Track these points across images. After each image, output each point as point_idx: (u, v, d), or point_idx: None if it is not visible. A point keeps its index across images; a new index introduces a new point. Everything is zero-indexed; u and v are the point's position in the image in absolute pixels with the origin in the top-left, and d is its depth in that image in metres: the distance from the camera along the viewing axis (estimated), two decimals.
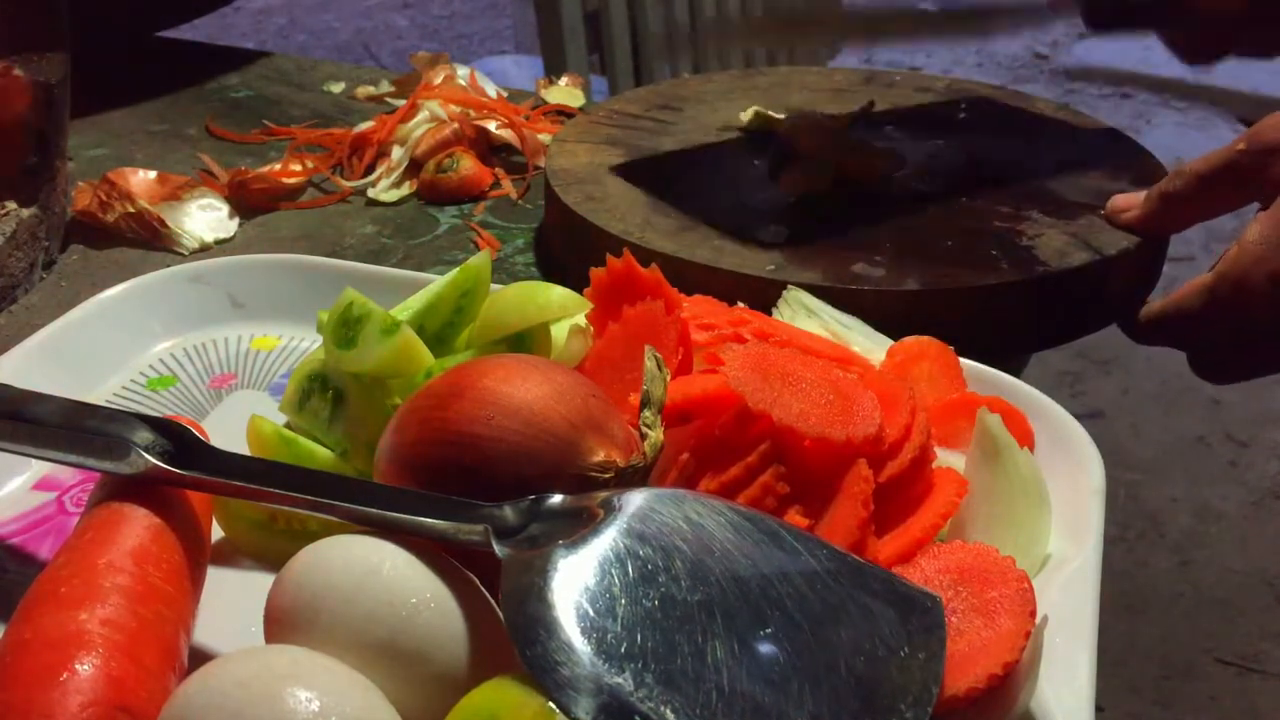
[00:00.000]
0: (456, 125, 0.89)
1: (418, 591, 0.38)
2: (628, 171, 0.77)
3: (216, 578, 0.47)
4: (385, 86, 1.07)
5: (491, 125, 0.91)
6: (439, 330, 0.56)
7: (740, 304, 0.57)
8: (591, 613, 0.35)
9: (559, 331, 0.55)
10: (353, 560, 0.39)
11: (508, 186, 0.87)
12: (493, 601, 0.40)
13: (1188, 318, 0.67)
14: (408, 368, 0.52)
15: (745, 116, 0.85)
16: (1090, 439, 0.52)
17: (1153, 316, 0.70)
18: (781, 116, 0.85)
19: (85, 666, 0.37)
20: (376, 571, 0.38)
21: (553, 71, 1.53)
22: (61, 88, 0.75)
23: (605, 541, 0.37)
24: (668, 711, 0.33)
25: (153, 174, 0.83)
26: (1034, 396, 0.55)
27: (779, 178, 0.75)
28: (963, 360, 0.56)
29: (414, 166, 0.88)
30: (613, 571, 0.37)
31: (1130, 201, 0.71)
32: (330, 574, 0.38)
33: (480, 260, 0.57)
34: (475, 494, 0.41)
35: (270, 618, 0.39)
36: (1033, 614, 0.40)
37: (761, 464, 0.44)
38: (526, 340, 0.54)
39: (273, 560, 0.48)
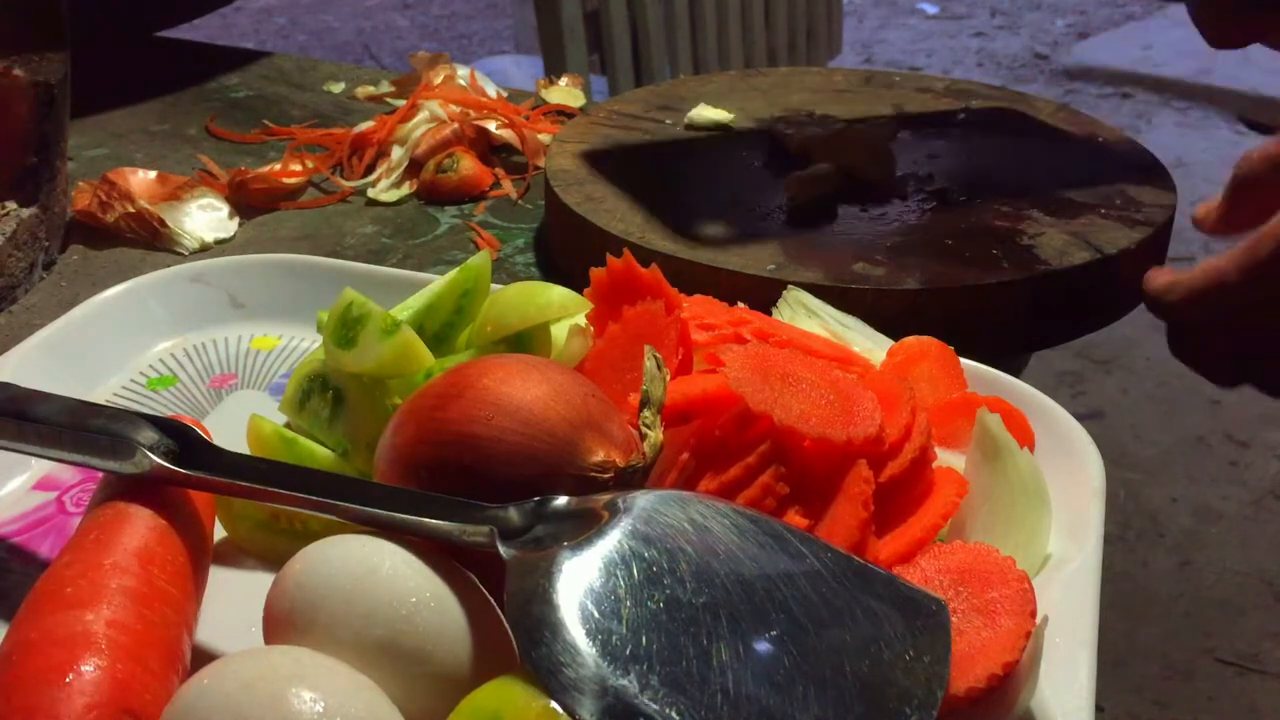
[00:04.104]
0: (456, 125, 0.89)
1: (417, 591, 0.38)
2: (627, 170, 0.77)
3: (218, 577, 0.47)
4: (385, 86, 1.07)
5: (491, 125, 0.91)
6: (439, 330, 0.56)
7: (740, 304, 0.57)
8: (596, 614, 0.35)
9: (559, 331, 0.55)
10: (352, 560, 0.39)
11: (508, 186, 0.87)
12: (493, 601, 0.40)
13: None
14: (408, 368, 0.52)
15: (695, 115, 0.85)
16: (1090, 439, 0.52)
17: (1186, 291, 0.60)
18: (730, 116, 0.85)
19: (90, 668, 0.37)
20: (376, 571, 0.38)
21: (553, 71, 1.53)
22: (61, 88, 0.75)
23: (610, 543, 0.37)
24: (673, 714, 0.33)
25: (153, 174, 0.83)
26: (1034, 396, 0.55)
27: (783, 181, 0.75)
28: (963, 360, 0.56)
29: (414, 166, 0.88)
30: (618, 573, 0.37)
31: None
32: (330, 574, 0.38)
33: (480, 260, 0.57)
34: (475, 494, 0.41)
35: (270, 618, 0.39)
36: (1033, 614, 0.40)
37: (761, 464, 0.44)
38: (526, 340, 0.54)
39: (275, 560, 0.48)
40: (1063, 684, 0.41)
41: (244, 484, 0.43)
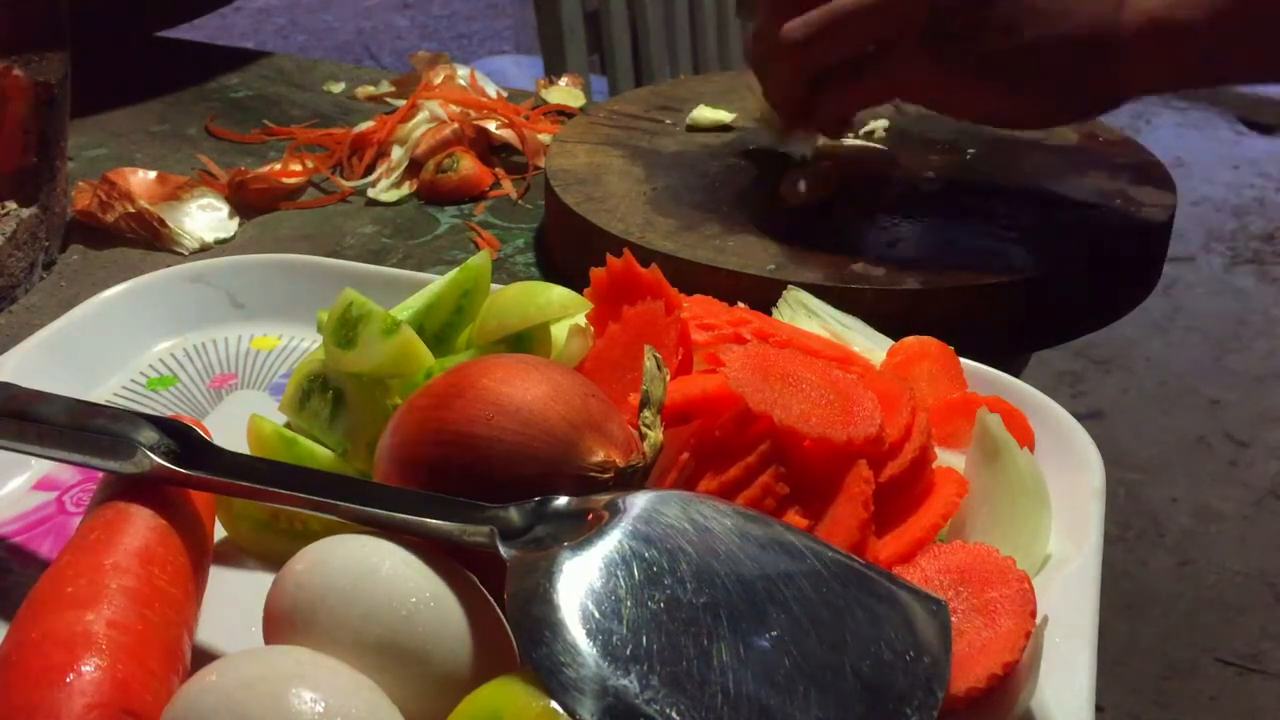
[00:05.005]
0: (456, 125, 0.89)
1: (417, 591, 0.38)
2: (629, 171, 0.77)
3: (218, 577, 0.47)
4: (385, 86, 1.07)
5: (491, 125, 0.91)
6: (439, 330, 0.56)
7: (740, 304, 0.57)
8: (597, 614, 0.35)
9: (559, 331, 0.55)
10: (352, 560, 0.39)
11: (508, 186, 0.87)
12: (493, 601, 0.40)
13: None
14: (408, 368, 0.52)
15: (696, 116, 0.85)
16: (1090, 439, 0.52)
17: None
18: (731, 116, 0.85)
19: (90, 668, 0.37)
20: (376, 571, 0.38)
21: (553, 71, 1.53)
22: (61, 88, 0.75)
23: (610, 543, 0.37)
24: (673, 714, 0.33)
25: (153, 174, 0.83)
26: (1034, 396, 0.55)
27: (783, 181, 0.75)
28: (963, 360, 0.56)
29: (414, 166, 0.88)
30: (618, 573, 0.37)
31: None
32: (330, 574, 0.38)
33: (480, 260, 0.57)
34: (475, 494, 0.41)
35: (270, 618, 0.39)
36: (1033, 614, 0.40)
37: (761, 464, 0.44)
38: (526, 340, 0.54)
39: (275, 560, 0.48)
40: (1063, 684, 0.41)
41: (244, 484, 0.43)
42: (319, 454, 0.52)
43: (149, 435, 0.44)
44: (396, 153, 0.89)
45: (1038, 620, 0.40)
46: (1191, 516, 1.94)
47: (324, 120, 1.01)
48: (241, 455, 0.46)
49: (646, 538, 0.38)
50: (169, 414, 0.53)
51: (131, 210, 0.79)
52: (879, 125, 0.84)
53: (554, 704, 0.34)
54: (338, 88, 1.09)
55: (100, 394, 0.61)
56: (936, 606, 0.40)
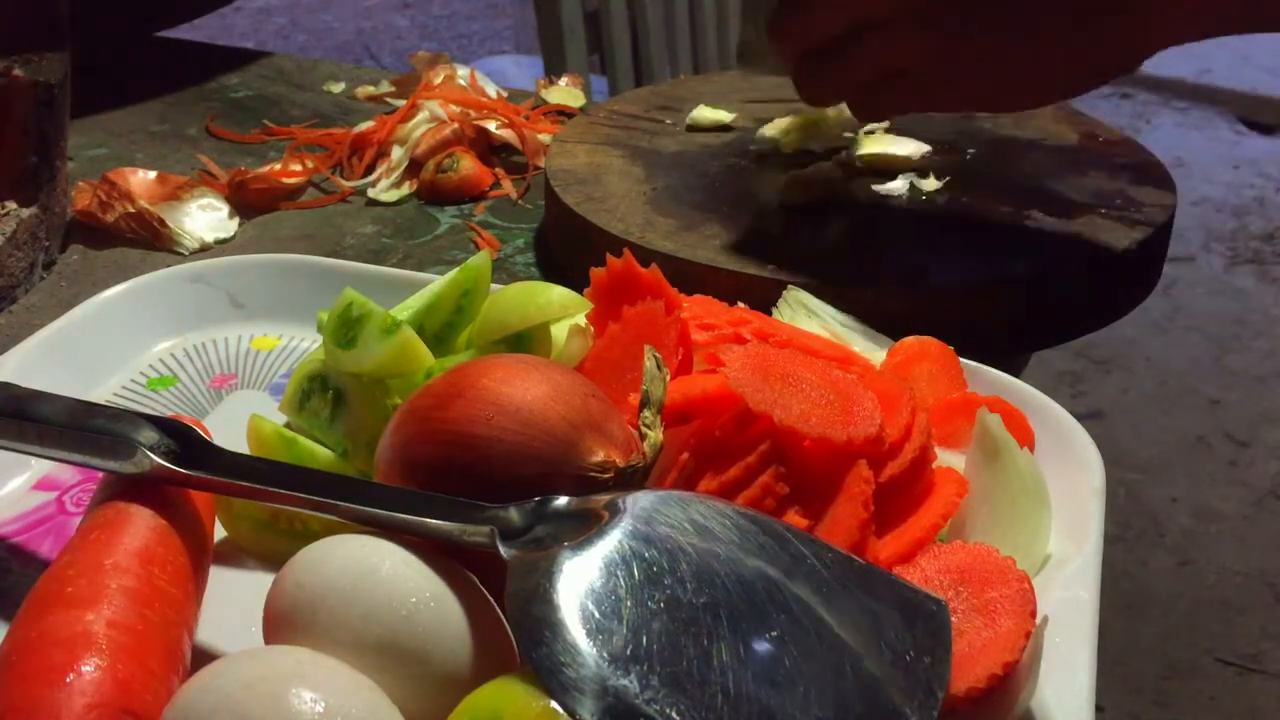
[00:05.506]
0: (456, 125, 0.89)
1: (417, 591, 0.38)
2: (629, 171, 0.77)
3: (218, 577, 0.47)
4: (385, 86, 1.07)
5: (491, 125, 0.91)
6: (439, 330, 0.56)
7: (740, 304, 0.57)
8: (597, 615, 0.35)
9: (559, 331, 0.55)
10: (352, 560, 0.39)
11: (508, 186, 0.87)
12: (493, 601, 0.40)
13: None
14: (408, 368, 0.52)
15: (696, 116, 0.85)
16: (1090, 439, 0.52)
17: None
18: (731, 116, 0.85)
19: (90, 668, 0.37)
20: (375, 571, 0.38)
21: (553, 71, 1.53)
22: (61, 88, 0.75)
23: (611, 543, 0.37)
24: (673, 714, 0.33)
25: (153, 174, 0.83)
26: (1034, 396, 0.55)
27: (783, 181, 0.75)
28: (963, 360, 0.56)
29: (414, 166, 0.88)
30: (618, 573, 0.37)
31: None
32: (330, 574, 0.38)
33: (480, 260, 0.57)
34: (475, 494, 0.41)
35: (269, 618, 0.39)
36: (1033, 614, 0.40)
37: (761, 464, 0.44)
38: (526, 340, 0.54)
39: (275, 560, 0.48)
40: (1063, 684, 0.41)
41: (244, 484, 0.43)
42: (319, 454, 0.52)
43: (149, 435, 0.44)
44: (396, 153, 0.89)
45: (1038, 620, 0.40)
46: (1191, 516, 1.94)
47: (324, 120, 1.01)
48: (241, 455, 0.46)
49: (646, 538, 0.38)
50: (169, 414, 0.53)
51: (131, 210, 0.79)
52: (920, 151, 0.82)
53: (554, 704, 0.34)
54: (338, 88, 1.09)
55: (100, 394, 0.61)
56: (936, 606, 0.40)
